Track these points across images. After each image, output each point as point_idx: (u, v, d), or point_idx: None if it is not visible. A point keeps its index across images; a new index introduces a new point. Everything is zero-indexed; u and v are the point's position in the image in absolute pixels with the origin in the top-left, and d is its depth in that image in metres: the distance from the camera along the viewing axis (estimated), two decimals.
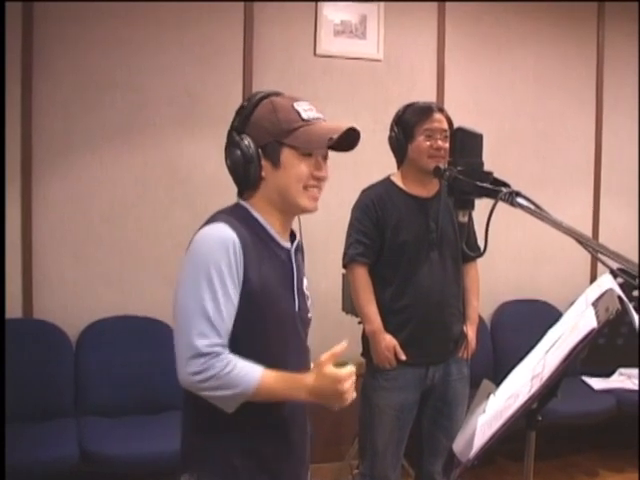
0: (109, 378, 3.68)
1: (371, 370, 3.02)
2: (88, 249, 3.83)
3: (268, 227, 1.79)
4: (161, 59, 3.92)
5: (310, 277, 1.98)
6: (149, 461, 3.25)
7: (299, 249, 1.90)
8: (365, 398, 3.01)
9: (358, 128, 1.75)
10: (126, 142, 3.88)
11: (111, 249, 3.87)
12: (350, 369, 1.70)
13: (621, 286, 1.57)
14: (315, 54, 4.19)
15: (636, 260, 1.34)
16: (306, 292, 1.90)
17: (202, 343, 1.63)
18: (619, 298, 1.46)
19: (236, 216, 1.75)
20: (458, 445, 1.65)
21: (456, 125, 1.79)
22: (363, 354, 3.07)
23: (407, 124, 2.94)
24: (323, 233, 3.85)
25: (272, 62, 4.11)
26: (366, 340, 3.03)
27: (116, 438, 3.38)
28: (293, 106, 1.76)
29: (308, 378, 1.70)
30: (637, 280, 1.38)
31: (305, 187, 1.75)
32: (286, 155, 1.74)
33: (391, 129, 3.00)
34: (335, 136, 1.71)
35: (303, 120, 1.74)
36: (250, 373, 1.65)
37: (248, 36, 4.03)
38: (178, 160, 3.95)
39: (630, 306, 1.52)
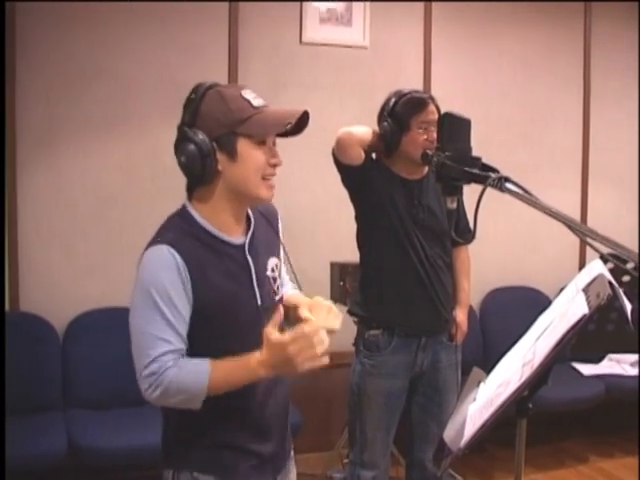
0: (96, 370, 3.66)
1: (359, 357, 2.99)
2: (74, 241, 3.80)
3: (216, 232, 1.74)
4: (146, 48, 3.88)
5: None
6: (137, 453, 3.25)
7: (261, 228, 1.86)
8: (353, 385, 2.99)
9: (309, 111, 1.73)
10: (111, 132, 3.85)
11: (97, 240, 3.84)
12: (293, 333, 1.58)
13: (611, 271, 1.56)
14: (301, 42, 4.16)
15: (625, 244, 1.33)
16: (272, 275, 1.85)
17: (150, 359, 1.62)
18: (610, 283, 1.45)
19: (180, 229, 1.73)
20: (449, 434, 1.64)
21: (443, 111, 1.77)
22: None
23: (402, 115, 2.86)
24: (309, 221, 3.81)
25: (258, 50, 4.07)
26: (358, 329, 3.02)
27: (104, 431, 3.38)
28: (242, 95, 1.73)
29: (257, 354, 1.62)
30: (627, 265, 1.36)
31: (263, 177, 1.73)
32: (242, 145, 1.70)
33: (383, 119, 2.91)
34: (293, 121, 1.69)
35: (254, 108, 1.71)
36: (199, 373, 1.62)
37: (233, 24, 3.99)
38: (163, 150, 3.88)
39: (621, 291, 1.51)
